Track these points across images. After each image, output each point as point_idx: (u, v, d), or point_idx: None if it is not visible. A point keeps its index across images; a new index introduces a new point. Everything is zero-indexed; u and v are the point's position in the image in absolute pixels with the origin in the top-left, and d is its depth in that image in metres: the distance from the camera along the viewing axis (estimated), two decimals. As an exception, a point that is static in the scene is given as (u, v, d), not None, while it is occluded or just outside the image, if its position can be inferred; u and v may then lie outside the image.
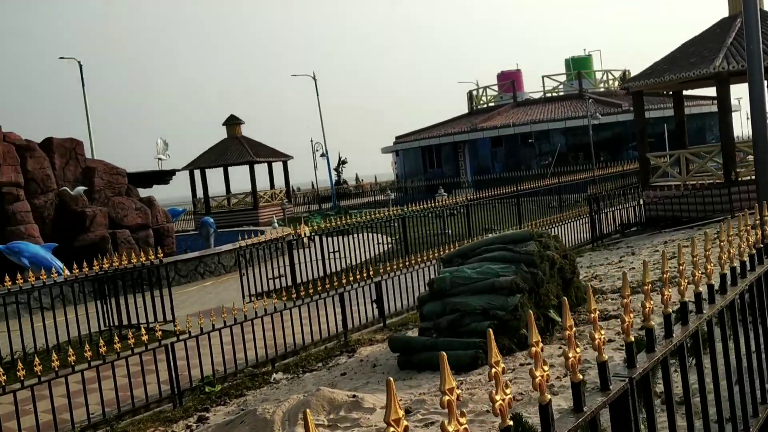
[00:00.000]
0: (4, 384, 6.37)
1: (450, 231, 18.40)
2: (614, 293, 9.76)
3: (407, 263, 11.10)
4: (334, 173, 52.13)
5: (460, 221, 17.94)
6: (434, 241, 16.21)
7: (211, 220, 23.88)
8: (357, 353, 8.70)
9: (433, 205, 16.99)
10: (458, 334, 7.28)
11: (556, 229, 15.66)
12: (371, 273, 10.28)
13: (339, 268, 13.95)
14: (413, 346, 7.38)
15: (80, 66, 36.16)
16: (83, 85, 36.17)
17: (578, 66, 45.98)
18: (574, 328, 1.63)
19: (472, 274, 7.77)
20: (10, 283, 9.55)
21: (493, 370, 1.36)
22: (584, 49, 51.29)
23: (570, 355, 1.60)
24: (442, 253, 10.73)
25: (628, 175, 24.97)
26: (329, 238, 14.75)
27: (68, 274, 10.52)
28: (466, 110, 49.18)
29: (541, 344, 1.51)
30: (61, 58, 37.00)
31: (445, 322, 7.44)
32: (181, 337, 7.80)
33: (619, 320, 8.03)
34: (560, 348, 7.17)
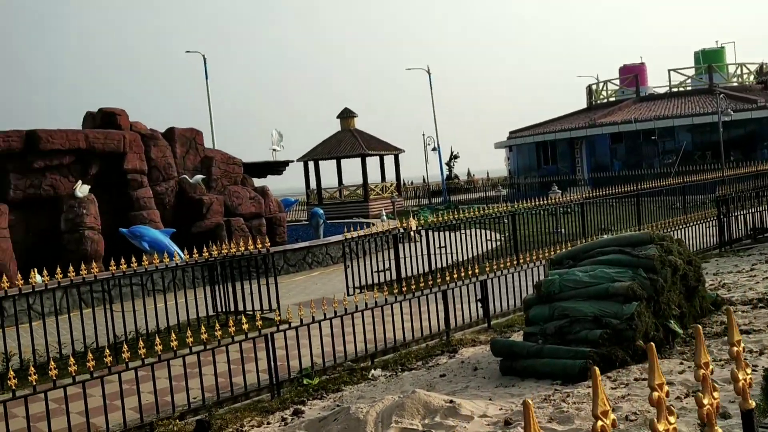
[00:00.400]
0: (110, 365, 6.56)
1: (563, 230, 17.64)
2: (744, 305, 8.90)
3: (515, 262, 10.63)
4: (445, 168, 51.74)
5: (574, 220, 17.15)
6: (546, 240, 15.55)
7: (321, 211, 24.16)
8: (458, 354, 8.37)
9: (545, 202, 16.30)
10: (566, 342, 6.80)
11: (679, 231, 14.63)
12: (477, 271, 9.90)
13: (445, 264, 13.65)
14: (516, 352, 6.96)
15: (204, 59, 37.72)
16: (206, 78, 37.70)
17: (709, 59, 43.13)
18: (710, 366, 1.25)
19: (583, 278, 7.25)
20: (125, 266, 9.92)
21: (600, 422, 1.03)
22: (716, 41, 48.13)
23: (705, 401, 1.23)
24: (553, 253, 10.17)
25: (763, 176, 23.06)
26: (437, 233, 14.45)
27: (179, 259, 10.82)
28: (584, 105, 47.37)
29: (665, 387, 1.15)
30: (187, 51, 38.77)
31: (552, 327, 6.98)
32: (281, 328, 7.76)
33: (751, 335, 7.26)
34: (681, 363, 6.54)
